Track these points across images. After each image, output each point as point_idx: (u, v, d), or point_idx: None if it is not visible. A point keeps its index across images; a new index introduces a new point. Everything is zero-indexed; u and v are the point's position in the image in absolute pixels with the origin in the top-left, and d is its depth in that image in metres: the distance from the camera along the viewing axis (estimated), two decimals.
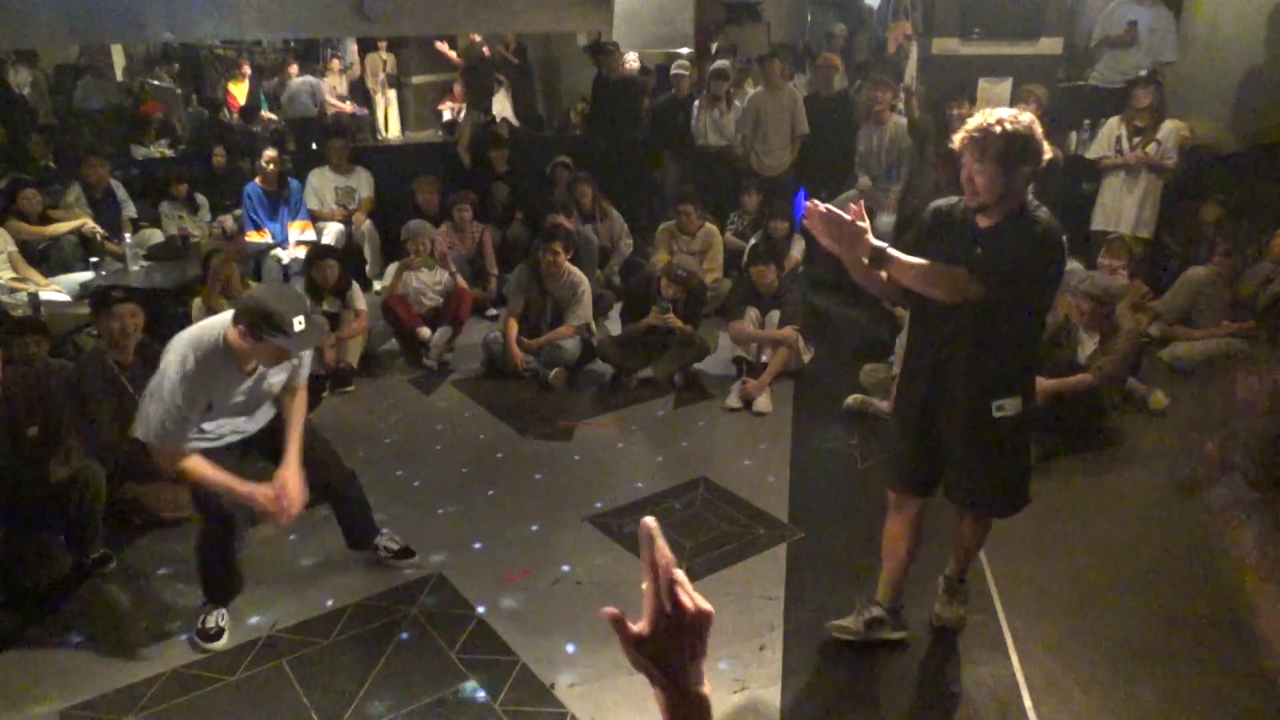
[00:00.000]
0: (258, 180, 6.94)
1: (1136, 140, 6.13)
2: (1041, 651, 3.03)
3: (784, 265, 5.88)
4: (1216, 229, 5.93)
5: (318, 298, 5.38)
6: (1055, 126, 6.53)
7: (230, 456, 3.09)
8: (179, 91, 10.11)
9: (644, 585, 0.94)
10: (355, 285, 5.60)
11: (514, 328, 5.48)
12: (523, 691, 2.90)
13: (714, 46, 8.30)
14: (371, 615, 3.30)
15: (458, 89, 10.40)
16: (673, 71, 7.62)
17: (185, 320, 4.76)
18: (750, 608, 3.29)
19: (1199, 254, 5.90)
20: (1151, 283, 5.86)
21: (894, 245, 2.57)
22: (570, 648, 3.09)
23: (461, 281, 6.04)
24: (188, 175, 7.27)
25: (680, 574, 0.92)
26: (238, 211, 7.06)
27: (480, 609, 3.32)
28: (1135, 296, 5.56)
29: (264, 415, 3.20)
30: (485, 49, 9.48)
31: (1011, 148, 2.43)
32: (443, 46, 9.97)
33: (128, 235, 6.34)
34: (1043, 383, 4.14)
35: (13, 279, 5.77)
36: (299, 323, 2.76)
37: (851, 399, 4.92)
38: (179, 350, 2.82)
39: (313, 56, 10.89)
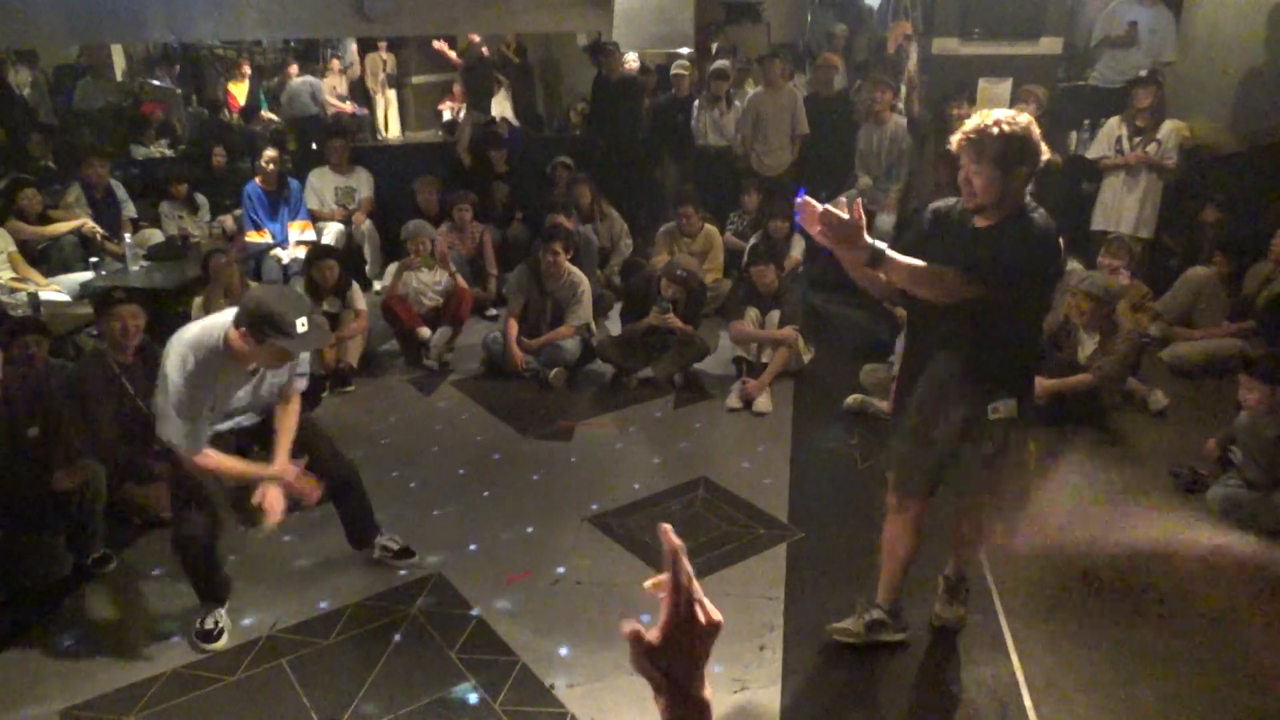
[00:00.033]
0: (258, 180, 6.94)
1: (1136, 140, 6.13)
2: (1041, 651, 3.03)
3: (784, 265, 5.88)
4: (1216, 229, 5.93)
5: (318, 298, 5.37)
6: (1056, 126, 6.54)
7: (228, 448, 3.12)
8: (179, 91, 10.10)
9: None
10: (355, 285, 5.60)
11: (514, 328, 5.47)
12: (522, 692, 2.90)
13: (714, 46, 8.31)
14: (371, 615, 3.30)
15: (458, 89, 10.39)
16: (673, 71, 7.62)
17: (185, 320, 4.75)
18: (750, 608, 3.29)
19: (1199, 254, 5.90)
20: (1151, 283, 5.86)
21: (894, 245, 2.57)
22: (570, 648, 3.09)
23: (461, 281, 6.04)
24: (188, 175, 7.26)
25: (699, 588, 0.93)
26: (238, 211, 7.06)
27: (480, 609, 3.32)
28: (1135, 296, 5.56)
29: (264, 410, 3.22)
30: (484, 49, 9.48)
31: (1009, 149, 2.43)
32: (442, 46, 9.97)
33: (128, 235, 6.33)
34: (1043, 383, 4.15)
35: (13, 279, 5.77)
36: (302, 324, 2.76)
37: (851, 399, 4.92)
38: (178, 351, 2.82)
39: (313, 56, 10.87)
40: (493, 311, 6.50)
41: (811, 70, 7.95)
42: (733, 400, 5.06)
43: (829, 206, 2.37)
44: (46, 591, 3.50)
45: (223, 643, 3.14)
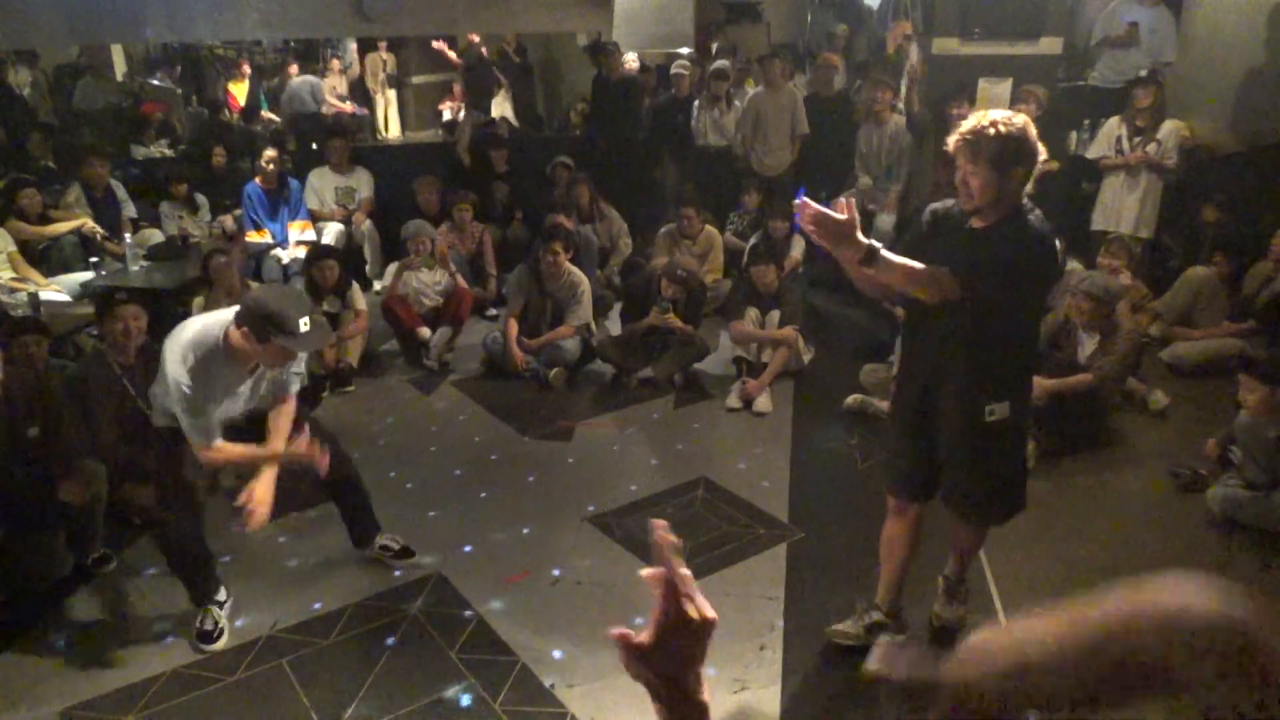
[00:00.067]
0: (258, 180, 6.93)
1: (1136, 140, 6.13)
2: None
3: (784, 265, 5.88)
4: (1216, 229, 5.93)
5: (318, 298, 5.37)
6: (1056, 126, 6.53)
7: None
8: (179, 91, 10.11)
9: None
10: (355, 285, 5.61)
11: (514, 328, 5.47)
12: (522, 691, 2.90)
13: (714, 46, 8.31)
14: (371, 615, 3.30)
15: (458, 89, 10.40)
16: (673, 71, 7.61)
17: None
18: (750, 608, 3.29)
19: (1199, 254, 5.90)
20: (1151, 283, 5.86)
21: (894, 246, 2.56)
22: (569, 648, 3.09)
23: (461, 281, 6.04)
24: (188, 175, 7.25)
25: (692, 585, 0.92)
26: (238, 211, 7.06)
27: (479, 609, 3.32)
28: (1135, 296, 5.56)
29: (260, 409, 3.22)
30: (484, 49, 9.48)
31: (1005, 150, 2.41)
32: (442, 46, 9.97)
33: (128, 235, 6.34)
34: (1043, 383, 4.14)
35: (13, 279, 5.77)
36: (304, 324, 2.77)
37: (851, 399, 4.92)
38: (178, 350, 2.83)
39: (313, 56, 10.88)
40: (493, 311, 6.50)
41: (811, 70, 7.95)
42: (733, 400, 5.06)
43: (824, 208, 2.36)
44: (46, 591, 3.50)
45: (222, 643, 3.15)
